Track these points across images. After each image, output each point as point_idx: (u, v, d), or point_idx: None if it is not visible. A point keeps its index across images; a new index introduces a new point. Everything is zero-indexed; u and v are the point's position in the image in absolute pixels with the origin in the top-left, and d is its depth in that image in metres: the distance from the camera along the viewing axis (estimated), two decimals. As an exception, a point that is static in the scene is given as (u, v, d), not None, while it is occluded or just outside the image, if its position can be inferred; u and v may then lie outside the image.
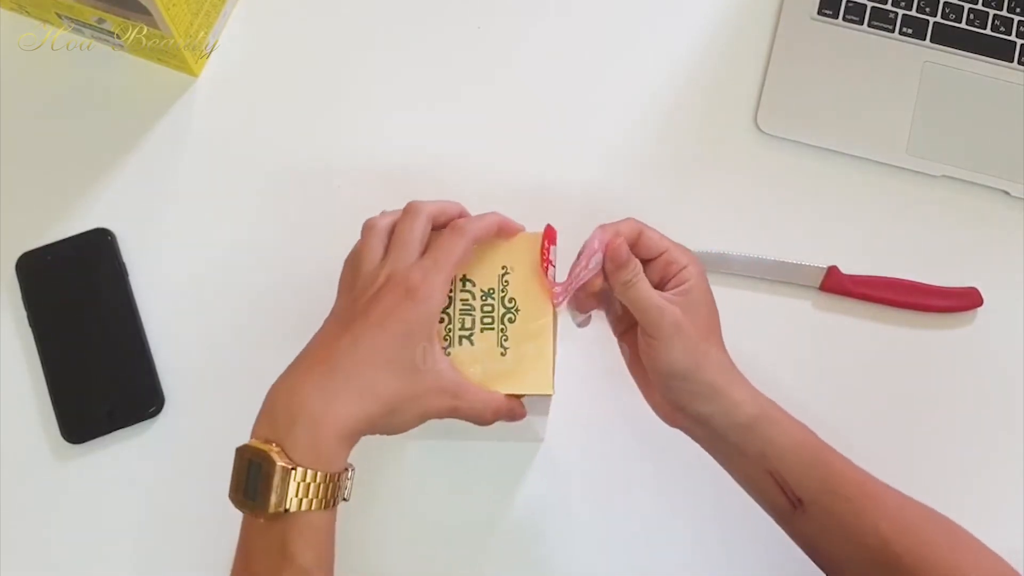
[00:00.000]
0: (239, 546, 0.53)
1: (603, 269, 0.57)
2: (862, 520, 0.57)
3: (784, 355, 0.74)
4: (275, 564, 0.51)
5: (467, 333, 0.57)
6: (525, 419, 0.59)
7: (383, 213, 0.58)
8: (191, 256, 0.74)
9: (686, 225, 0.76)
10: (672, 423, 0.60)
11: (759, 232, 0.76)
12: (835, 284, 0.75)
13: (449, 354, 0.56)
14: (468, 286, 0.58)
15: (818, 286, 0.75)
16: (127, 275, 0.73)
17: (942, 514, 0.60)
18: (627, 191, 0.77)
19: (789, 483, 0.58)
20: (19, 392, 0.71)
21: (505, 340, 0.57)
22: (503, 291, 0.58)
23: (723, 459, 0.60)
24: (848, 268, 0.75)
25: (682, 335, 0.56)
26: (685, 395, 0.58)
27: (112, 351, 0.71)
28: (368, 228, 0.58)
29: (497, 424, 0.57)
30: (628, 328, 0.61)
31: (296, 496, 0.49)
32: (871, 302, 0.75)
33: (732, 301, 0.75)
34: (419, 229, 0.56)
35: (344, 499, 0.52)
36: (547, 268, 0.58)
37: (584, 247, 0.57)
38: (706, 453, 0.60)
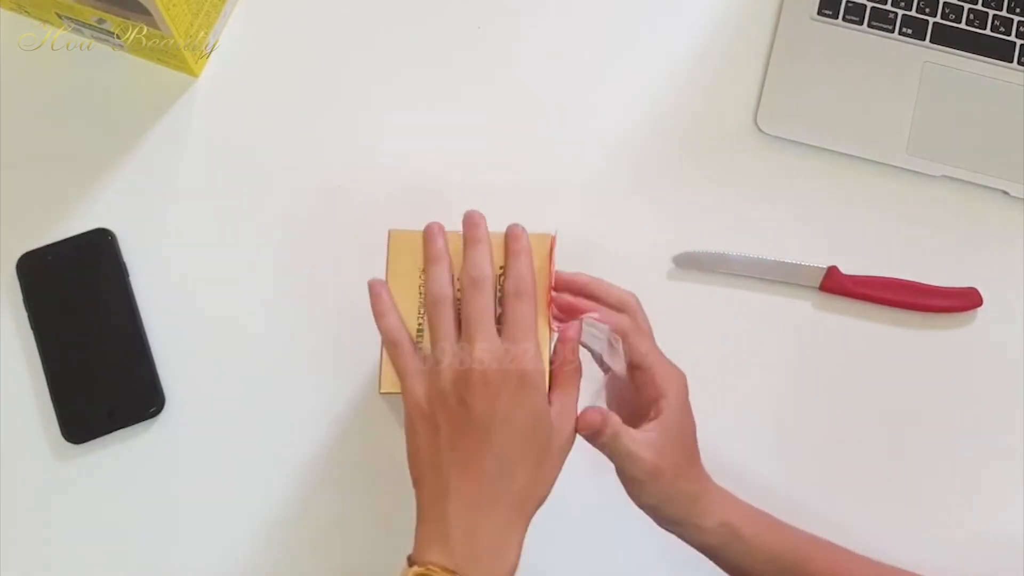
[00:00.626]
0: None
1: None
2: None
3: (784, 355, 0.75)
4: None
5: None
6: None
7: (439, 279, 0.57)
8: (191, 256, 0.74)
9: (686, 225, 0.77)
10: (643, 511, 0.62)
11: (759, 232, 0.76)
12: (835, 284, 0.75)
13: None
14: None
15: (818, 286, 0.75)
16: (127, 275, 0.73)
17: None
18: (627, 191, 0.77)
19: None
20: (19, 392, 0.71)
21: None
22: (500, 291, 0.58)
23: (696, 547, 0.62)
24: (848, 268, 0.75)
25: (656, 480, 0.58)
26: (659, 522, 0.60)
27: (112, 351, 0.71)
28: (435, 302, 0.56)
29: None
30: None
31: None
32: (871, 302, 0.75)
33: (732, 301, 0.75)
34: (491, 302, 0.56)
35: None
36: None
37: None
38: None
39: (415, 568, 0.51)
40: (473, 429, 0.53)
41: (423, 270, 0.59)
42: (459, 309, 0.56)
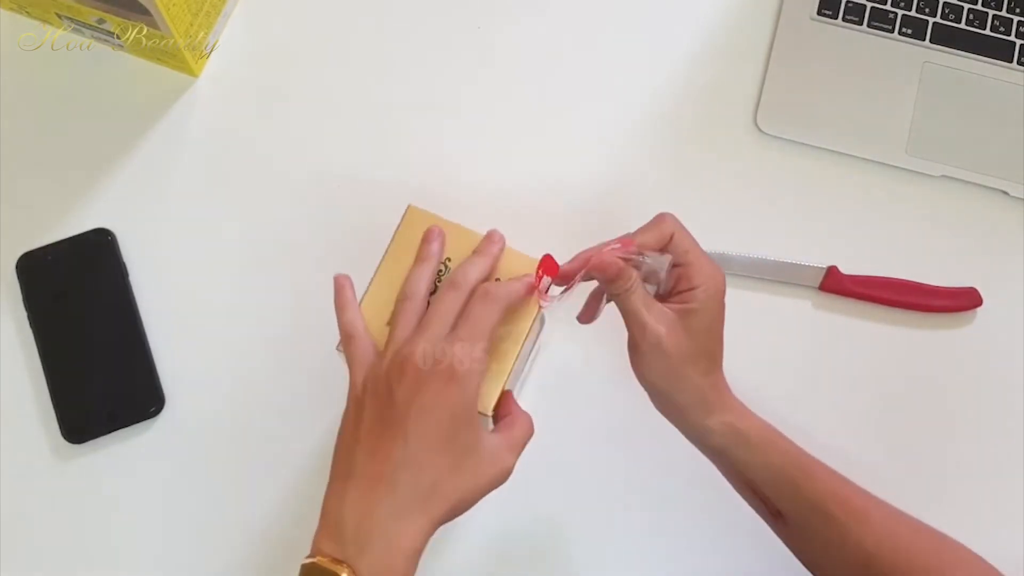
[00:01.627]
0: None
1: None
2: (845, 537, 0.58)
3: (784, 355, 0.75)
4: None
5: None
6: None
7: (417, 278, 0.57)
8: (191, 256, 0.74)
9: (686, 225, 0.76)
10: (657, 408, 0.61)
11: (759, 232, 0.76)
12: (835, 284, 0.75)
13: None
14: None
15: (818, 286, 0.75)
16: (127, 275, 0.73)
17: (931, 527, 0.60)
18: (627, 191, 0.77)
19: (769, 499, 0.59)
20: (19, 392, 0.71)
21: None
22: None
23: (701, 449, 0.61)
24: (848, 268, 0.75)
25: (661, 355, 0.57)
26: (661, 408, 0.59)
27: (112, 351, 0.71)
28: (405, 297, 0.56)
29: None
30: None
31: None
32: (871, 302, 0.75)
33: (732, 301, 0.75)
34: (458, 308, 0.55)
35: None
36: (540, 297, 0.57)
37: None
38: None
39: (305, 559, 0.51)
40: (391, 416, 0.52)
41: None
42: None
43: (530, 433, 0.56)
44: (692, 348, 0.58)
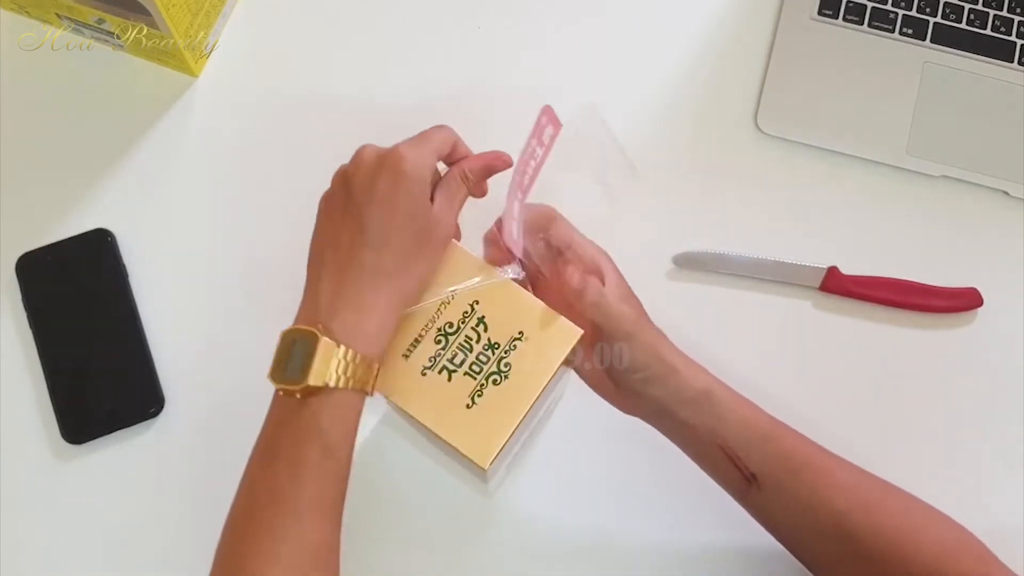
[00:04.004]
0: (265, 425, 0.55)
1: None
2: (815, 494, 0.59)
3: (784, 355, 0.74)
4: (303, 437, 0.52)
5: (452, 368, 0.56)
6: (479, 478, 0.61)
7: (448, 136, 0.61)
8: (191, 256, 0.74)
9: (686, 225, 0.76)
10: (625, 410, 0.62)
11: (759, 232, 0.76)
12: (835, 284, 0.75)
13: (425, 375, 0.56)
14: (480, 328, 0.57)
15: (818, 286, 0.75)
16: (127, 275, 0.73)
17: (899, 487, 0.61)
18: (627, 191, 0.77)
19: (741, 458, 0.59)
20: (19, 392, 0.71)
21: (479, 396, 0.56)
22: (505, 354, 0.57)
23: (678, 438, 0.62)
24: (848, 268, 0.75)
25: (644, 330, 0.59)
26: (639, 383, 0.59)
27: (112, 351, 0.71)
28: (430, 138, 0.60)
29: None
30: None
31: (336, 372, 0.51)
32: (871, 302, 0.75)
33: (732, 301, 0.75)
34: (439, 138, 0.60)
35: (369, 394, 0.54)
36: (536, 148, 0.59)
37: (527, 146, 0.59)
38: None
39: (283, 331, 0.53)
40: (350, 207, 0.56)
41: (445, 302, 0.58)
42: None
43: (461, 193, 0.59)
44: (641, 311, 0.60)
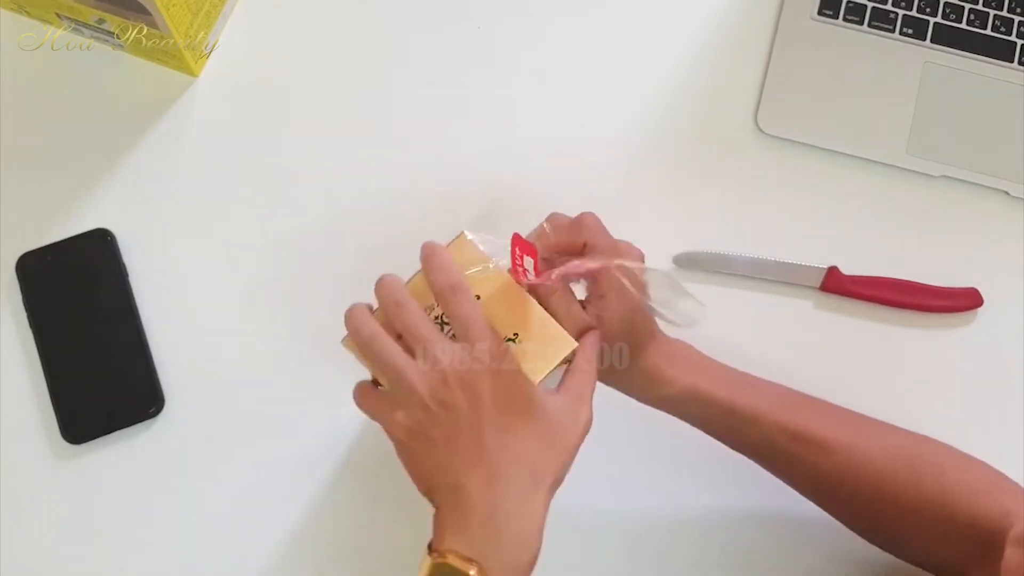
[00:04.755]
0: None
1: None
2: (807, 468, 0.62)
3: (784, 355, 0.74)
4: None
5: None
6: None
7: (362, 321, 0.56)
8: (191, 256, 0.74)
9: (686, 225, 0.76)
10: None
11: (759, 232, 0.76)
12: (835, 284, 0.75)
13: None
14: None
15: (818, 286, 0.75)
16: (127, 275, 0.73)
17: (905, 433, 0.64)
18: (627, 191, 0.77)
19: (725, 443, 0.64)
20: (19, 392, 0.71)
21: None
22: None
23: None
24: (848, 268, 0.75)
25: (635, 312, 0.60)
26: (628, 385, 0.62)
27: (112, 351, 0.71)
28: (371, 340, 0.55)
29: None
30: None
31: None
32: (871, 302, 0.75)
33: (732, 301, 0.75)
34: (418, 311, 0.55)
35: None
36: (523, 275, 0.57)
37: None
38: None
39: (432, 558, 0.51)
40: (465, 425, 0.53)
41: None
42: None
43: (592, 377, 0.57)
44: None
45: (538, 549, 0.52)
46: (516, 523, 0.52)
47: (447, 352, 0.53)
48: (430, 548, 0.52)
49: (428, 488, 0.55)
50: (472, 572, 0.50)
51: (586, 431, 0.56)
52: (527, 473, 0.53)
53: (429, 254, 0.56)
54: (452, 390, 0.53)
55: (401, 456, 0.55)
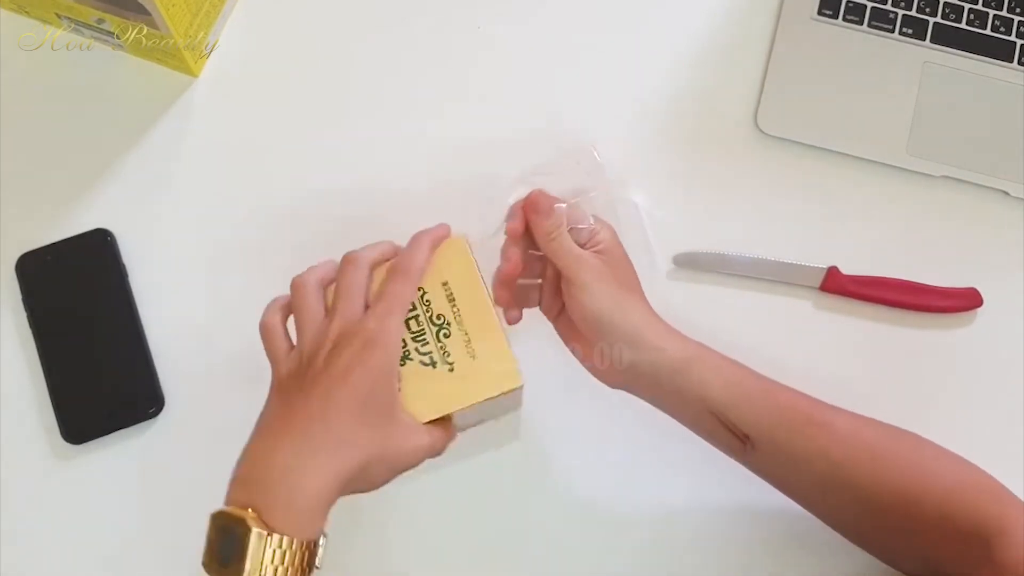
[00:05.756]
0: None
1: (526, 225, 0.60)
2: (810, 447, 0.59)
3: (784, 355, 0.74)
4: None
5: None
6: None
7: (309, 269, 0.58)
8: (191, 256, 0.74)
9: (686, 225, 0.76)
10: (612, 384, 0.62)
11: (759, 232, 0.76)
12: (835, 284, 0.75)
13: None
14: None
15: (818, 286, 0.75)
16: (127, 275, 0.73)
17: (907, 431, 0.61)
18: (627, 190, 0.77)
19: (732, 420, 0.60)
20: (19, 392, 0.71)
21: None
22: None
23: (667, 407, 0.62)
24: (848, 268, 0.75)
25: (602, 280, 0.59)
26: (606, 331, 0.60)
27: (112, 351, 0.71)
28: (298, 287, 0.57)
29: (472, 435, 0.60)
30: (561, 310, 0.63)
31: (272, 563, 0.49)
32: (871, 302, 0.75)
33: (732, 301, 0.75)
34: (362, 278, 0.57)
35: (316, 567, 0.52)
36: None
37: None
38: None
39: (213, 512, 0.51)
40: (309, 378, 0.53)
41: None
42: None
43: (445, 445, 0.58)
44: (625, 279, 0.61)
45: (318, 505, 0.51)
46: (289, 474, 0.51)
47: (346, 314, 0.54)
48: None
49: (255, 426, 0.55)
50: (247, 515, 0.49)
51: (419, 456, 0.56)
52: (329, 440, 0.52)
53: (415, 240, 0.59)
54: (322, 346, 0.54)
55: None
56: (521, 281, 0.62)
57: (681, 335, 0.61)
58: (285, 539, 0.49)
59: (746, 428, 0.59)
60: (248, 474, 0.52)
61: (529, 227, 0.61)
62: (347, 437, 0.53)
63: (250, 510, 0.50)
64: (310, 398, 0.53)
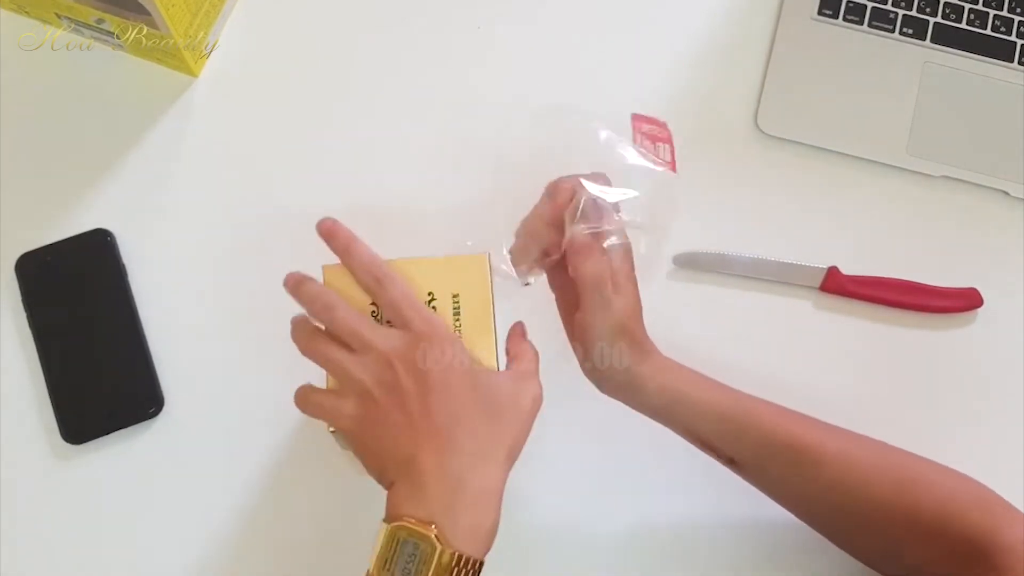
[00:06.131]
0: None
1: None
2: (800, 473, 0.60)
3: (784, 355, 0.74)
4: None
5: None
6: None
7: (294, 334, 0.58)
8: (191, 256, 0.74)
9: (686, 225, 0.76)
10: (606, 392, 0.62)
11: (759, 232, 0.76)
12: (835, 284, 0.75)
13: None
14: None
15: (818, 286, 0.75)
16: (127, 275, 0.73)
17: (896, 447, 0.61)
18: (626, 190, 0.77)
19: (719, 448, 0.61)
20: (19, 392, 0.71)
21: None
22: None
23: (658, 422, 0.62)
24: (848, 268, 0.75)
25: (609, 307, 0.58)
26: (602, 385, 0.61)
27: (112, 351, 0.71)
28: (309, 351, 0.57)
29: None
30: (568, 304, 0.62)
31: None
32: (871, 302, 0.75)
33: (732, 301, 0.75)
34: (355, 314, 0.57)
35: None
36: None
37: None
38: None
39: (390, 524, 0.51)
40: (413, 403, 0.53)
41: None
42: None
43: (536, 356, 0.59)
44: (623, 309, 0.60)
45: (496, 518, 0.52)
46: (471, 489, 0.52)
47: (382, 337, 0.54)
48: (387, 519, 0.52)
49: (380, 469, 0.54)
50: (431, 533, 0.50)
51: (536, 405, 0.56)
52: (478, 443, 0.53)
53: (344, 250, 0.58)
54: (396, 372, 0.54)
55: (355, 448, 0.56)
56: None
57: (661, 367, 0.60)
58: (465, 558, 0.50)
59: (733, 455, 0.61)
60: (420, 489, 0.52)
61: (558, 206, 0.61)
62: (490, 437, 0.54)
63: (433, 527, 0.50)
64: (429, 417, 0.53)
